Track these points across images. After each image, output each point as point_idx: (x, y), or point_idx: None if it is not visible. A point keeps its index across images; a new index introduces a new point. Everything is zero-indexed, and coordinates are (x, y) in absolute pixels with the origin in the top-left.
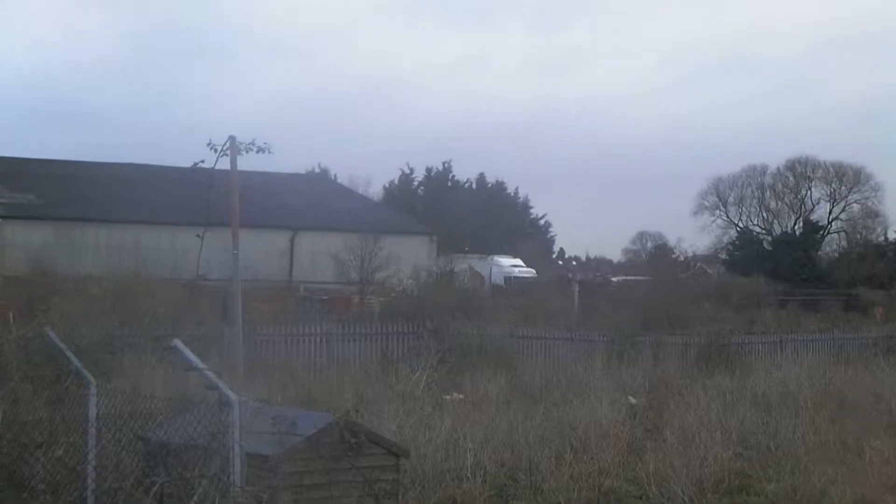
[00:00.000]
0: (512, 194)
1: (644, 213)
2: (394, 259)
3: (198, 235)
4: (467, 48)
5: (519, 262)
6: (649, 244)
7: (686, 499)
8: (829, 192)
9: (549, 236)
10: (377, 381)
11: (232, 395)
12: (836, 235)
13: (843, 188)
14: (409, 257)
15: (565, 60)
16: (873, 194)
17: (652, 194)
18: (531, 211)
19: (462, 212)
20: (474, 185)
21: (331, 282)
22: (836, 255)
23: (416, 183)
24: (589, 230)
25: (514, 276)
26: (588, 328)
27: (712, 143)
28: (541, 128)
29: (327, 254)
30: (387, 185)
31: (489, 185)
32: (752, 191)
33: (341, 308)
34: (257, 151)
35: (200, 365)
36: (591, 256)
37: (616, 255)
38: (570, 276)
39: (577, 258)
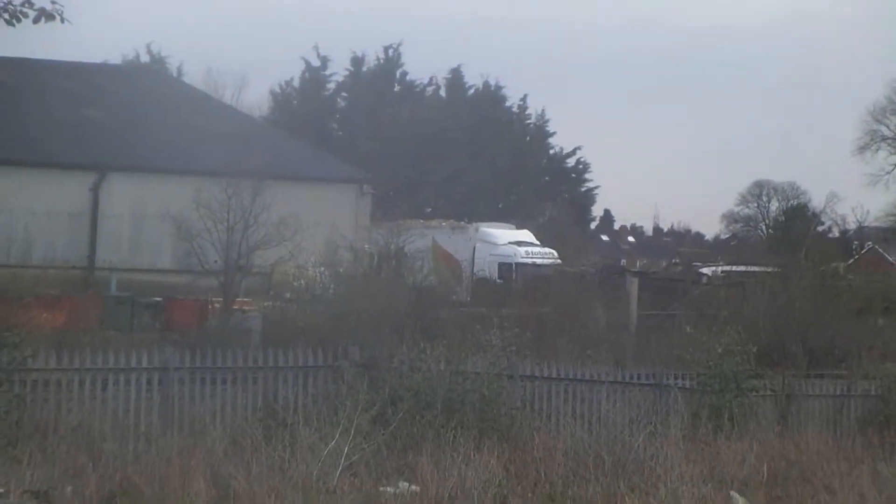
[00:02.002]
0: (515, 109)
1: (762, 153)
2: (291, 228)
3: None
4: None
5: (525, 235)
6: (773, 204)
7: None
8: None
9: (583, 190)
10: (256, 460)
11: None
12: None
13: None
14: (320, 223)
15: None
16: None
17: (775, 118)
18: (551, 143)
19: (420, 140)
20: (443, 91)
21: (169, 269)
22: None
23: (331, 85)
24: (658, 183)
25: (518, 262)
26: (655, 363)
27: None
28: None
29: (162, 217)
30: (278, 88)
31: (471, 89)
32: None
33: (189, 319)
34: (38, 19)
35: None
36: (663, 227)
37: (711, 227)
38: (621, 263)
39: (635, 229)
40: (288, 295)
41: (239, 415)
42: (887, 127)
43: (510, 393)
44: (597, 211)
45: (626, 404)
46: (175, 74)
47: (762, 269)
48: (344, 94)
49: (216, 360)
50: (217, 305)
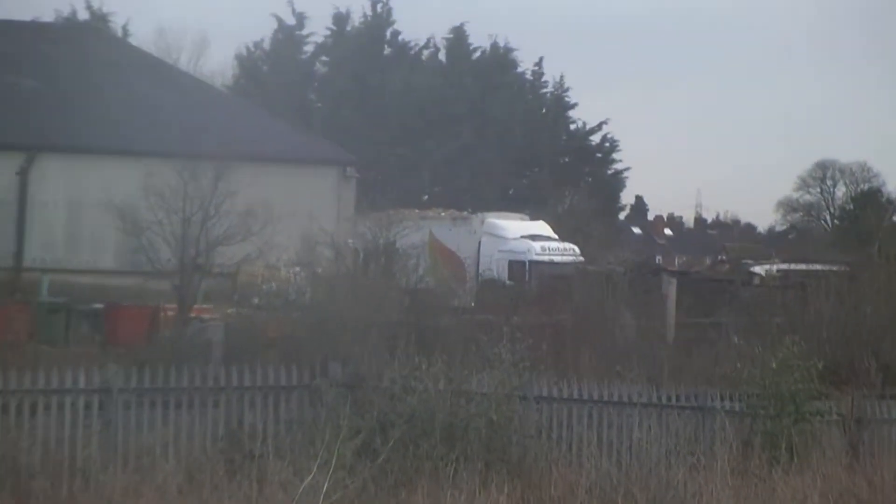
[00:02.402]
0: (529, 76)
1: (827, 128)
2: (260, 219)
3: None
4: None
5: (541, 227)
6: (839, 189)
7: None
8: None
9: (611, 173)
10: (217, 500)
11: None
12: None
13: None
14: (295, 214)
15: None
16: None
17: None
18: (571, 116)
19: (415, 113)
20: (442, 54)
21: (113, 270)
22: None
23: (308, 47)
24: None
25: (532, 260)
26: (697, 381)
27: None
28: None
29: (105, 207)
30: (245, 52)
31: (476, 52)
32: None
33: (136, 330)
34: None
35: None
36: (706, 218)
37: (764, 217)
38: (657, 260)
39: (673, 220)
40: (256, 300)
41: (196, 445)
42: None
43: (523, 418)
44: (627, 198)
45: (663, 431)
46: (120, 35)
47: (826, 267)
48: (324, 58)
49: (169, 380)
50: (170, 313)
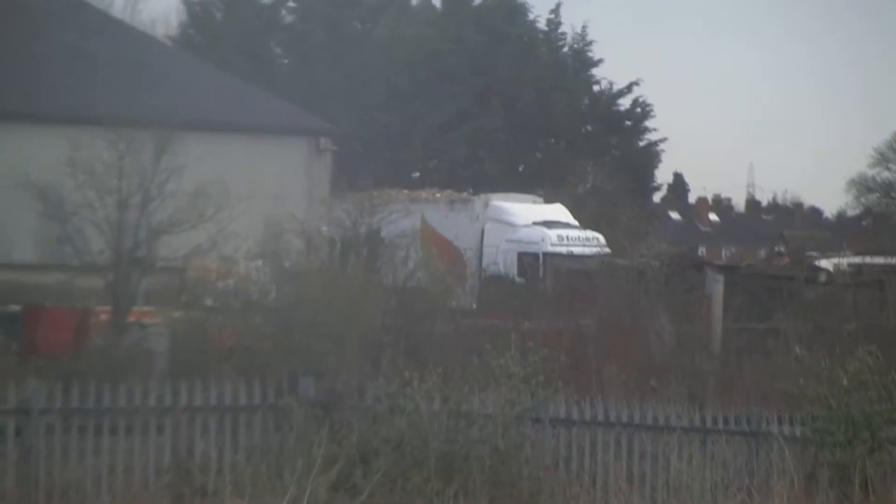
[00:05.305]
0: (543, 27)
1: None
2: (215, 202)
3: None
4: None
5: (557, 212)
6: None
7: None
8: None
9: (643, 145)
10: None
11: None
12: None
13: None
14: (257, 195)
15: None
16: None
17: None
18: (594, 75)
19: (404, 73)
20: (437, 0)
21: (32, 264)
22: None
23: None
24: (753, 136)
25: (547, 252)
26: (750, 401)
27: None
28: None
29: (21, 187)
30: None
31: None
32: None
33: (61, 337)
34: None
35: None
36: (760, 200)
37: (832, 199)
38: (700, 253)
39: (720, 203)
40: (209, 301)
41: (136, 479)
42: None
43: (536, 444)
44: (663, 176)
45: (708, 461)
46: None
47: None
48: (292, 3)
49: (102, 400)
50: (103, 317)
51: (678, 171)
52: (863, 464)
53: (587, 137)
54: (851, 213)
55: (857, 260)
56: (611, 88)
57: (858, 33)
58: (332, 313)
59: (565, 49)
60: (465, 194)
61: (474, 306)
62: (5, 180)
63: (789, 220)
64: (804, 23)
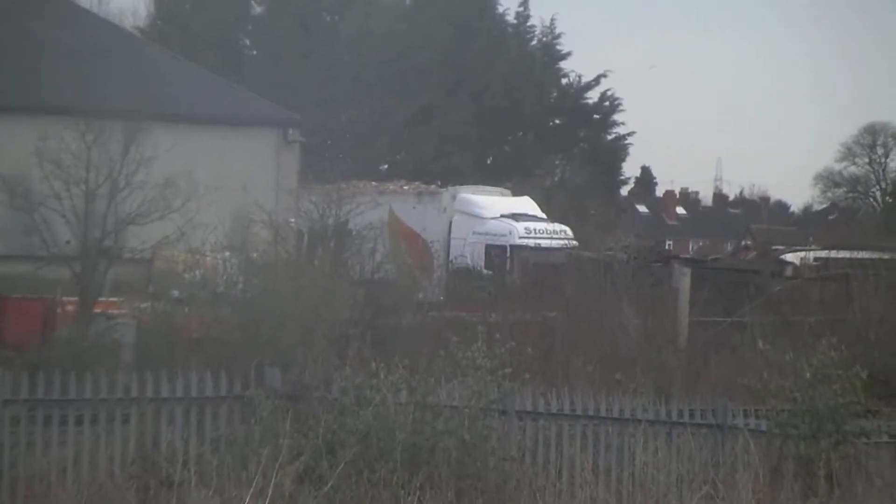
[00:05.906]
0: (512, 19)
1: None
2: (182, 193)
3: None
4: None
5: (525, 205)
6: (892, 158)
7: None
8: None
9: (611, 139)
10: None
11: None
12: None
13: None
14: (224, 186)
15: None
16: None
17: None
18: (563, 68)
19: (372, 65)
20: None
21: (0, 255)
22: None
23: None
24: (720, 130)
25: (515, 244)
26: (715, 394)
27: None
28: None
29: None
30: None
31: None
32: None
33: (26, 328)
34: None
35: None
36: (727, 194)
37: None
38: (667, 246)
39: (687, 197)
40: (176, 293)
41: (101, 469)
42: None
43: (503, 437)
44: (631, 170)
45: (673, 454)
46: None
47: (876, 255)
48: None
49: (67, 390)
50: (70, 308)
51: (646, 164)
52: (827, 457)
53: (555, 130)
54: (818, 207)
55: (823, 254)
56: (579, 81)
57: (825, 29)
58: (300, 305)
59: (534, 42)
60: (433, 186)
61: (442, 298)
62: None
63: (756, 215)
64: (772, 19)
